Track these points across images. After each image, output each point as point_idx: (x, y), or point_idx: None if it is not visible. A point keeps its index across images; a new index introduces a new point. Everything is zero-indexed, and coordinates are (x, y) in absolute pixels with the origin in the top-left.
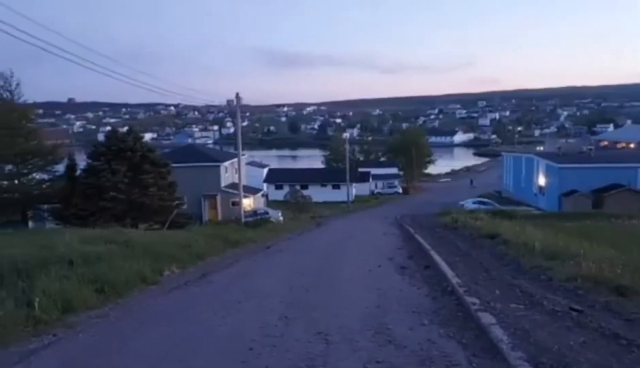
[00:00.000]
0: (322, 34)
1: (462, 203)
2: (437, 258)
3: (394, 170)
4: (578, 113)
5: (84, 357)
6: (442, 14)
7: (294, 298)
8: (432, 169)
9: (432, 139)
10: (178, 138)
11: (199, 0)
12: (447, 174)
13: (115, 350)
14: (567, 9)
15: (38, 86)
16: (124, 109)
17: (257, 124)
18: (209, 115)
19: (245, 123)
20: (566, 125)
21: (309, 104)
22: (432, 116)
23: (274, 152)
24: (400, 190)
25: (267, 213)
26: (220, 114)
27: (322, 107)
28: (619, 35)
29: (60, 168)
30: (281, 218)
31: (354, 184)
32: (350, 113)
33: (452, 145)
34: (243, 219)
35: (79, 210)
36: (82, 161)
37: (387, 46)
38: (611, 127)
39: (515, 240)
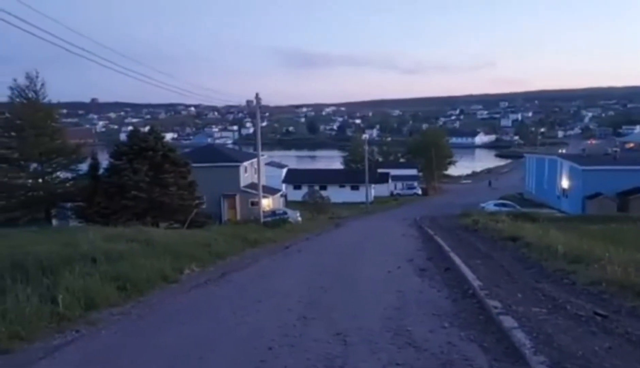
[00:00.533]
0: (341, 34)
1: (483, 205)
2: (457, 260)
3: (413, 171)
4: (603, 114)
5: (107, 353)
6: (463, 14)
7: (312, 299)
8: (452, 171)
9: (453, 140)
10: (198, 138)
11: (218, 2)
12: (467, 176)
13: (137, 347)
14: (592, 9)
15: (62, 86)
16: (145, 110)
17: (276, 125)
18: (228, 115)
19: (264, 124)
20: (591, 126)
21: (328, 105)
22: (453, 117)
23: (292, 152)
24: (420, 191)
25: (285, 213)
26: (240, 115)
27: (342, 108)
28: None
29: (84, 167)
30: (299, 219)
31: (373, 185)
32: (370, 114)
33: (473, 146)
34: (262, 220)
35: (101, 209)
36: (104, 161)
37: (407, 46)
38: (637, 128)
39: (538, 242)
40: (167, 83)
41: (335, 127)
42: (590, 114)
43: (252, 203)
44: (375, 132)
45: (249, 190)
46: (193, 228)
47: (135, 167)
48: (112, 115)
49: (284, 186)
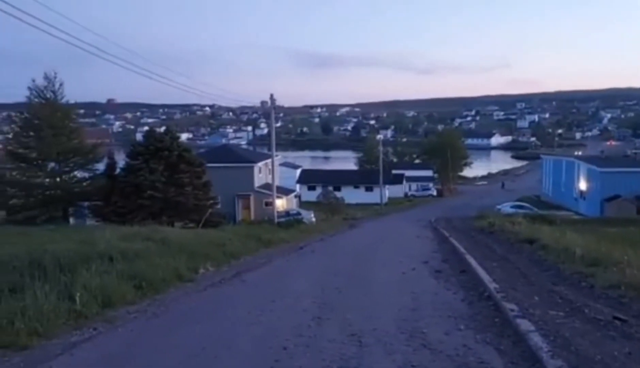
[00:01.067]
0: (355, 35)
1: (499, 206)
2: (473, 262)
3: (428, 172)
4: (622, 116)
5: (123, 350)
6: (477, 14)
7: (326, 299)
8: (468, 172)
9: (469, 141)
10: (213, 138)
11: (232, 3)
12: (483, 177)
13: (153, 345)
14: (610, 8)
15: (79, 86)
16: (161, 110)
17: (290, 125)
18: (242, 116)
19: (278, 124)
20: (609, 128)
21: (342, 105)
22: (469, 118)
23: (306, 153)
24: (435, 193)
25: (299, 213)
26: (254, 115)
27: (356, 109)
28: None
29: (101, 166)
30: (313, 219)
31: (387, 186)
32: (384, 114)
33: (489, 148)
34: (276, 220)
35: (117, 208)
36: (121, 160)
37: (422, 46)
38: None
39: (555, 245)
40: (182, 83)
41: (349, 127)
42: (609, 115)
43: (266, 204)
44: (389, 133)
45: (263, 190)
46: (208, 228)
47: (151, 167)
48: (129, 115)
49: (298, 186)
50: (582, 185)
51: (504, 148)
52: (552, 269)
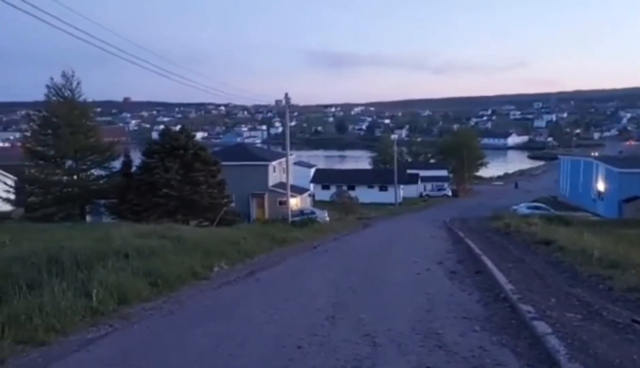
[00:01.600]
0: (370, 34)
1: (515, 207)
2: (488, 263)
3: (443, 172)
4: None
5: (140, 347)
6: (493, 13)
7: (340, 299)
8: (484, 172)
9: (485, 141)
10: (227, 137)
11: (247, 3)
12: (499, 178)
13: (168, 342)
14: (629, 8)
15: (95, 85)
16: (176, 109)
17: (304, 124)
18: (257, 115)
19: (293, 123)
20: (629, 128)
21: (356, 105)
22: (485, 117)
23: (321, 152)
24: (450, 193)
25: (313, 213)
26: (269, 114)
27: (370, 108)
28: None
29: (117, 164)
30: (327, 219)
31: (401, 186)
32: (399, 114)
33: (506, 147)
34: (290, 219)
35: (133, 206)
36: (137, 159)
37: (437, 45)
38: None
39: (572, 246)
40: (198, 82)
41: (364, 127)
42: (628, 115)
43: (280, 202)
44: (404, 132)
45: (278, 189)
46: (222, 226)
47: (167, 165)
48: (145, 114)
49: (312, 185)
50: (600, 186)
51: (520, 148)
52: (569, 271)
